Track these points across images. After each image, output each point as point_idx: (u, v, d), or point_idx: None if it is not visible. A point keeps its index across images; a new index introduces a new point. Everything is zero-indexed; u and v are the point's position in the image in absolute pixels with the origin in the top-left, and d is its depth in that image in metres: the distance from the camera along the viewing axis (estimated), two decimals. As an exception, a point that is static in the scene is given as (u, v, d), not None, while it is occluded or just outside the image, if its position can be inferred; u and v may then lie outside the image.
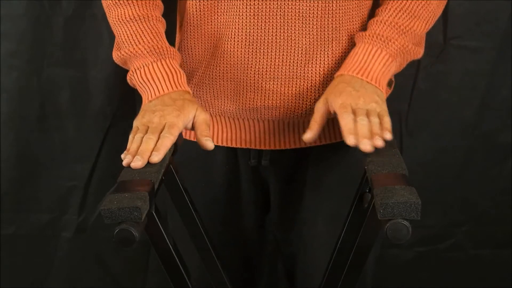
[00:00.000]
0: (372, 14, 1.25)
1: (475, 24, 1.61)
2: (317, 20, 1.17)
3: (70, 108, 1.67)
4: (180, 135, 1.14)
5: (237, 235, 1.38)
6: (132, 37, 1.17)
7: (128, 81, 1.21)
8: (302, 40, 1.18)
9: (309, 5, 1.16)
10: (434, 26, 1.61)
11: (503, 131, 1.69)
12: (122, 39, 1.18)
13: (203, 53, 1.23)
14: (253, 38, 1.18)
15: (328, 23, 1.18)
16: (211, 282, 1.30)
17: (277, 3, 1.16)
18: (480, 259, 1.79)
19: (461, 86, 1.65)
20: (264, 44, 1.18)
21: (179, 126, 1.10)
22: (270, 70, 1.19)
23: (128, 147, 1.08)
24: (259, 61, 1.19)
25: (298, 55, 1.18)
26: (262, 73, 1.19)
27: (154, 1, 1.20)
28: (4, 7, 1.59)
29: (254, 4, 1.16)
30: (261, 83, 1.20)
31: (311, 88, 1.20)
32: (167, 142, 1.07)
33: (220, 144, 1.29)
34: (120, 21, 1.18)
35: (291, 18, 1.17)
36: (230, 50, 1.19)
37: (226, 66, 1.21)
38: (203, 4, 1.19)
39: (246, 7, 1.17)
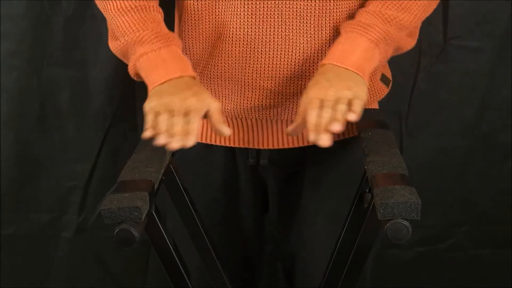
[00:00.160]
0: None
1: (475, 24, 1.60)
2: (314, 19, 1.17)
3: (70, 108, 1.67)
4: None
5: (237, 235, 1.38)
6: (135, 25, 1.15)
7: (131, 70, 1.17)
8: (299, 39, 1.18)
9: (306, 4, 1.16)
10: (434, 26, 1.61)
11: (503, 131, 1.68)
12: (124, 27, 1.16)
13: (201, 52, 1.23)
14: (251, 37, 1.18)
15: (325, 22, 1.18)
16: (211, 282, 1.30)
17: (274, 2, 1.16)
18: (480, 259, 1.79)
19: (461, 86, 1.65)
20: (262, 44, 1.18)
21: (201, 112, 1.08)
22: (268, 70, 1.19)
23: (149, 125, 1.05)
24: (257, 60, 1.19)
25: (295, 55, 1.18)
26: (260, 73, 1.19)
27: None
28: (4, 7, 1.59)
29: (252, 3, 1.16)
30: (259, 82, 1.20)
31: None
32: (195, 126, 1.06)
33: (218, 143, 1.29)
34: (120, 12, 1.16)
35: (289, 18, 1.17)
36: (228, 49, 1.19)
37: (224, 66, 1.21)
38: (201, 4, 1.19)
39: (244, 7, 1.17)
